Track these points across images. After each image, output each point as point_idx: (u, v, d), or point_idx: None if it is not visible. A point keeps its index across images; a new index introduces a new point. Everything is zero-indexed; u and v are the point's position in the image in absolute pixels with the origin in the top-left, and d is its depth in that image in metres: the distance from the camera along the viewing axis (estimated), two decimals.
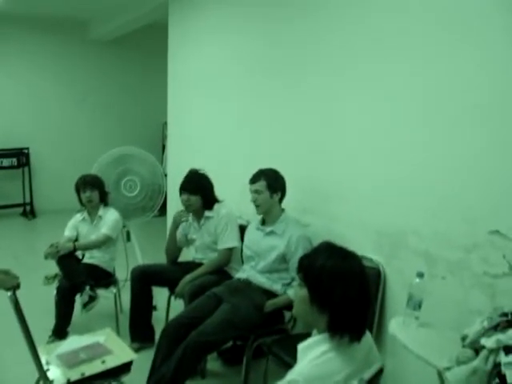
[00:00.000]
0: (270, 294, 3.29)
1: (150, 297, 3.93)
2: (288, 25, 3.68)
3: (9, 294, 2.48)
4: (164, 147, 8.46)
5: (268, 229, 3.38)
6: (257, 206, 3.37)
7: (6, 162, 8.54)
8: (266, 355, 3.17)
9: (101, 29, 8.34)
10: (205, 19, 4.88)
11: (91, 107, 9.30)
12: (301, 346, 1.80)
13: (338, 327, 1.72)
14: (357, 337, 1.74)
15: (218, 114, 4.71)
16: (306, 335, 1.87)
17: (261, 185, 3.32)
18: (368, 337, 1.83)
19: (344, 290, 1.69)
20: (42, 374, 2.58)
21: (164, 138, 8.66)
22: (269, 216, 3.40)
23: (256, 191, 3.34)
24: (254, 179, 3.37)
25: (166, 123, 7.59)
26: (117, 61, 9.31)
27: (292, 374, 1.70)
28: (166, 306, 4.07)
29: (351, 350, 1.74)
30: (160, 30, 6.57)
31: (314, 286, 1.73)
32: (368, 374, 1.77)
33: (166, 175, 5.36)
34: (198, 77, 5.04)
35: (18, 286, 2.54)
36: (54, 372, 2.63)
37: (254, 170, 3.43)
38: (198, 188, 3.80)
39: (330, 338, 1.73)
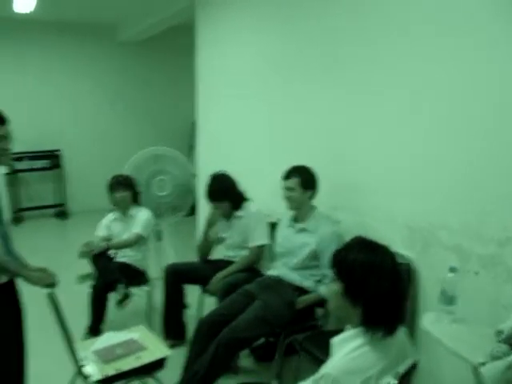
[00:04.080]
0: (301, 291, 3.31)
1: (182, 294, 3.99)
2: (319, 22, 3.67)
3: (46, 291, 2.55)
4: (192, 147, 8.51)
5: (299, 226, 3.39)
6: (289, 203, 3.39)
7: (39, 163, 8.67)
8: (298, 352, 3.18)
9: (129, 31, 8.44)
10: (232, 19, 4.90)
11: (121, 108, 9.41)
12: (334, 340, 1.82)
13: (372, 321, 1.73)
14: (390, 331, 1.75)
15: (247, 113, 4.73)
16: (337, 332, 1.87)
17: (293, 182, 3.32)
18: (401, 331, 1.83)
19: (377, 283, 1.70)
20: (79, 369, 2.64)
21: (192, 137, 8.71)
22: (300, 213, 3.41)
23: (289, 188, 3.35)
24: (287, 176, 3.37)
25: (194, 123, 7.65)
26: (145, 62, 9.40)
27: (326, 368, 1.72)
28: (198, 303, 4.11)
29: (385, 344, 1.75)
30: (187, 30, 6.61)
31: (347, 280, 1.74)
32: (402, 369, 1.78)
33: (194, 175, 5.40)
34: (227, 76, 5.06)
35: (55, 284, 2.61)
36: (90, 367, 2.69)
37: (284, 168, 3.44)
38: (224, 194, 3.83)
39: (363, 332, 1.75)
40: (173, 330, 3.99)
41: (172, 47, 9.14)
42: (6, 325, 2.67)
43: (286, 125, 4.16)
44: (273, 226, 3.87)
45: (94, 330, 4.01)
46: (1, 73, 8.49)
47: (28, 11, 7.04)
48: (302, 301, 3.24)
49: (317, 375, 1.74)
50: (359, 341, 1.74)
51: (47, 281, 2.59)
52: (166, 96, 9.58)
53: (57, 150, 8.91)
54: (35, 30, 8.52)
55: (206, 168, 5.25)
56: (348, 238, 1.92)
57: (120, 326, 3.52)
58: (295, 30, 3.95)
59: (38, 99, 8.75)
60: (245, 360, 3.75)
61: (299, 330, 3.22)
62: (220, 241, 4.02)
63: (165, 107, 9.60)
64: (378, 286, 1.70)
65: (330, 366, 1.72)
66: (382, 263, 1.73)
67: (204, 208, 4.76)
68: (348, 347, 1.74)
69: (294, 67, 4.00)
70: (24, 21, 8.23)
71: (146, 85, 9.49)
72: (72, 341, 2.68)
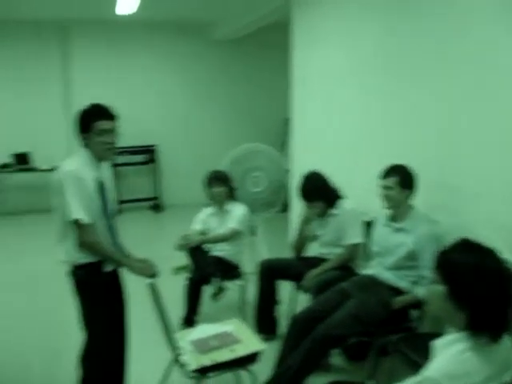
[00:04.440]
0: (397, 291, 3.24)
1: (275, 290, 4.03)
2: (421, 22, 3.57)
3: (148, 281, 2.65)
4: (284, 143, 8.54)
5: (397, 225, 3.33)
6: (386, 202, 3.33)
7: (136, 158, 9.06)
8: (391, 353, 3.12)
9: (225, 29, 8.58)
10: (328, 17, 4.86)
11: (215, 105, 9.61)
12: (437, 343, 1.76)
13: (478, 326, 1.67)
14: (496, 337, 1.68)
15: (343, 110, 4.69)
16: (434, 335, 1.82)
17: (392, 180, 3.26)
18: (506, 339, 1.76)
19: (484, 287, 1.64)
20: (177, 357, 2.73)
21: (285, 134, 8.74)
22: (398, 212, 3.34)
23: (387, 187, 3.29)
24: (386, 175, 3.31)
25: (286, 119, 7.67)
26: (239, 59, 9.54)
27: (428, 371, 1.67)
28: (290, 299, 4.13)
29: (489, 351, 1.68)
30: (281, 27, 6.64)
31: (453, 283, 1.69)
32: (507, 379, 1.71)
33: (287, 171, 5.42)
34: (322, 73, 5.04)
35: (156, 274, 2.71)
36: (187, 357, 2.76)
37: (380, 165, 3.39)
38: (317, 194, 3.82)
39: (467, 337, 1.69)
40: (265, 324, 4.03)
41: (266, 44, 9.20)
42: (111, 310, 2.81)
43: (383, 122, 4.09)
44: (368, 225, 3.82)
45: (189, 321, 4.13)
46: (106, 72, 8.93)
47: (130, 12, 7.41)
48: (398, 301, 3.18)
49: (417, 378, 1.69)
50: (462, 345, 1.68)
51: (149, 271, 2.70)
52: (258, 93, 9.67)
53: (153, 146, 9.24)
54: (134, 29, 8.88)
55: (299, 164, 5.26)
56: (447, 239, 1.86)
57: (213, 319, 3.60)
58: (397, 30, 3.87)
59: (136, 97, 9.10)
60: (336, 358, 3.72)
61: (393, 331, 3.15)
62: (314, 238, 4.02)
63: (257, 104, 9.70)
64: (485, 290, 1.64)
65: (432, 369, 1.67)
66: (490, 266, 1.67)
67: (297, 204, 4.77)
68: (451, 351, 1.69)
69: (390, 63, 3.93)
70: (125, 22, 8.60)
71: (240, 82, 9.63)
72: (171, 330, 2.77)
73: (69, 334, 4.00)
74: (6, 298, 5.08)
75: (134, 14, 7.56)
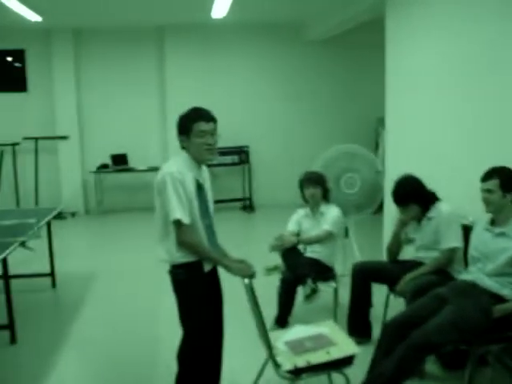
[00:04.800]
0: (498, 299, 3.11)
1: (369, 293, 3.99)
2: None
3: (246, 281, 2.70)
4: (378, 144, 8.42)
5: (498, 230, 3.20)
6: (487, 206, 3.21)
7: (228, 159, 9.26)
8: (491, 363, 3.01)
9: (317, 30, 8.59)
10: (424, 15, 4.75)
11: (306, 106, 9.62)
12: None
13: None
14: None
15: (440, 111, 4.57)
16: None
17: (493, 183, 3.14)
18: None
19: None
20: (272, 357, 2.76)
21: (378, 134, 8.62)
22: (499, 216, 3.21)
23: (487, 190, 3.17)
24: (486, 177, 3.19)
25: (379, 119, 7.55)
26: (331, 59, 9.53)
27: None
28: (385, 303, 4.08)
29: None
30: (374, 26, 6.56)
31: None
32: None
33: (380, 172, 5.35)
34: (418, 73, 4.93)
35: (253, 275, 2.76)
36: (281, 357, 2.78)
37: (480, 167, 3.27)
38: (410, 198, 3.74)
39: None
40: (358, 327, 4.00)
41: (358, 44, 9.15)
42: (209, 309, 2.89)
43: (483, 121, 3.95)
44: (466, 229, 3.70)
45: (282, 321, 4.17)
46: (198, 74, 9.20)
47: (222, 16, 7.74)
48: (500, 309, 3.04)
49: None
50: None
51: (246, 272, 2.75)
52: (351, 93, 9.62)
53: (245, 146, 9.38)
54: (227, 31, 9.13)
55: (394, 166, 5.17)
56: None
57: (306, 320, 3.61)
58: (489, 25, 3.73)
59: (230, 98, 9.30)
60: (431, 365, 3.63)
61: (494, 341, 3.05)
62: (410, 241, 3.94)
63: (350, 104, 9.64)
64: None
65: None
66: None
67: (390, 207, 4.69)
68: None
69: (492, 63, 3.79)
70: (217, 25, 8.86)
71: (331, 82, 9.62)
72: (266, 330, 2.81)
73: (166, 325, 4.23)
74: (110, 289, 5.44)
75: (225, 17, 7.84)
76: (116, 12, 7.88)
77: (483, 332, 3.04)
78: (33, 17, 7.55)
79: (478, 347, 3.06)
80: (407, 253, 4.07)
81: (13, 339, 4.13)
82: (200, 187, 2.81)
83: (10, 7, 6.70)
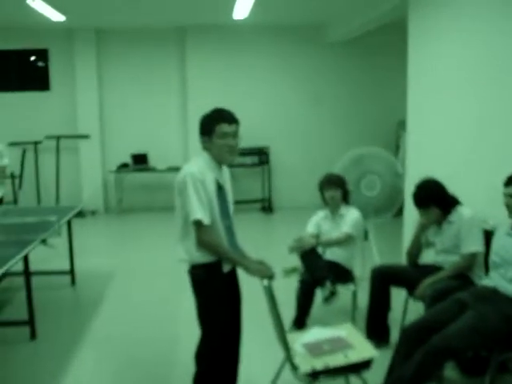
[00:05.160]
0: None
1: (388, 296, 3.96)
2: None
3: (265, 283, 2.70)
4: (398, 147, 8.37)
5: None
6: (509, 211, 3.17)
7: (248, 160, 9.25)
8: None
9: (338, 31, 8.57)
10: (447, 18, 4.71)
11: (326, 108, 9.60)
12: None
13: None
14: None
15: (462, 114, 4.52)
16: None
17: None
18: None
19: None
20: (289, 359, 2.76)
21: (398, 137, 8.57)
22: None
23: (510, 195, 3.13)
24: (510, 182, 3.15)
25: (400, 122, 7.51)
26: (351, 61, 9.50)
27: None
28: (403, 307, 4.05)
29: None
30: (396, 28, 6.53)
31: None
32: None
33: (400, 175, 5.31)
34: (441, 76, 4.88)
35: (272, 276, 2.76)
36: (299, 359, 2.77)
37: (502, 172, 3.24)
38: (431, 201, 3.71)
39: None
40: (376, 330, 3.97)
41: (379, 46, 9.12)
42: (228, 310, 2.89)
43: (507, 127, 3.90)
44: (488, 234, 3.66)
45: (300, 322, 4.16)
46: (219, 74, 9.25)
47: (243, 17, 7.76)
48: None
49: None
50: None
51: (266, 273, 2.75)
52: (372, 95, 9.57)
53: (265, 147, 9.38)
54: (248, 33, 9.15)
55: (415, 169, 5.13)
56: None
57: (324, 322, 3.62)
58: None
59: (251, 100, 9.31)
60: (450, 371, 3.59)
61: None
62: (430, 245, 3.91)
63: (371, 106, 9.60)
64: None
65: None
66: None
67: (410, 210, 4.65)
68: None
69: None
70: (238, 27, 8.90)
71: (352, 84, 9.59)
72: (284, 331, 2.81)
73: (184, 325, 4.26)
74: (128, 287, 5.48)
75: (246, 18, 7.86)
76: (138, 12, 7.95)
77: (504, 338, 3.00)
78: (56, 16, 7.64)
79: (499, 353, 3.02)
80: (427, 257, 4.04)
81: (33, 335, 4.18)
82: (220, 188, 2.82)
83: (34, 7, 6.78)
